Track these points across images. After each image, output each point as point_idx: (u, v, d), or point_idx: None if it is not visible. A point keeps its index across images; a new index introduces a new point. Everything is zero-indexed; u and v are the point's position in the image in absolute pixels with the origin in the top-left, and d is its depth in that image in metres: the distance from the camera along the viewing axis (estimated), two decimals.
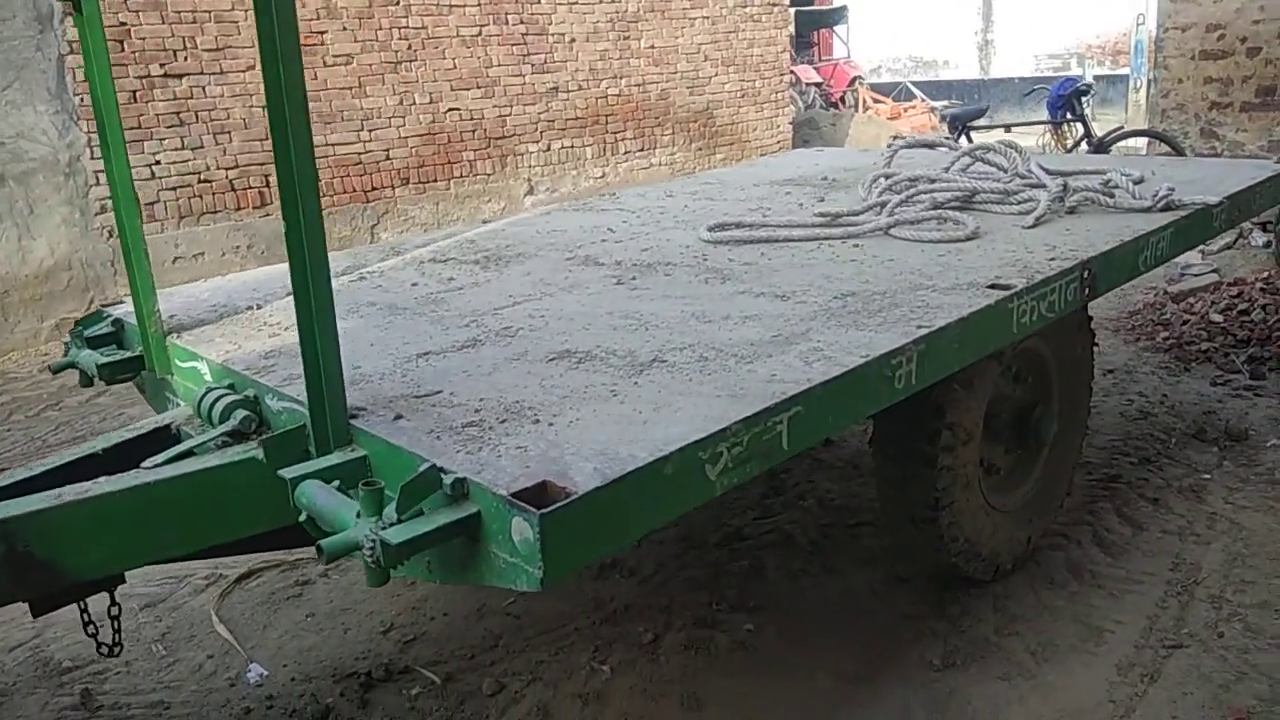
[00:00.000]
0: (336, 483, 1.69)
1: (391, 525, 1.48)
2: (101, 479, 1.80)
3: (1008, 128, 9.33)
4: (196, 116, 6.52)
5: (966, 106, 9.66)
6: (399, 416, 1.80)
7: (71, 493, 1.75)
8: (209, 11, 6.51)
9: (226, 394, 2.03)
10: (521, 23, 8.33)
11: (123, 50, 6.13)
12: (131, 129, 6.18)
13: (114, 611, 2.01)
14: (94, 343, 2.53)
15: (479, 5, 7.99)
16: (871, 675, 2.43)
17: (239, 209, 6.80)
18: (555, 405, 1.80)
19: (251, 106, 6.74)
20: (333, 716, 2.34)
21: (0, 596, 1.70)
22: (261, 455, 1.83)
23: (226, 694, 2.50)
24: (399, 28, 7.52)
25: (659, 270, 2.76)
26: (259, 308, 2.63)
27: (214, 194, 6.67)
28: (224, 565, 3.05)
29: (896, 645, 2.54)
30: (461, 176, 8.11)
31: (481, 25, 8.05)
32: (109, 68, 2.22)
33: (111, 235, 6.15)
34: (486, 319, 2.39)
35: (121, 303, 2.68)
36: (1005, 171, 3.49)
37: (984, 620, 2.62)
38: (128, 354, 2.44)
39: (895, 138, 5.69)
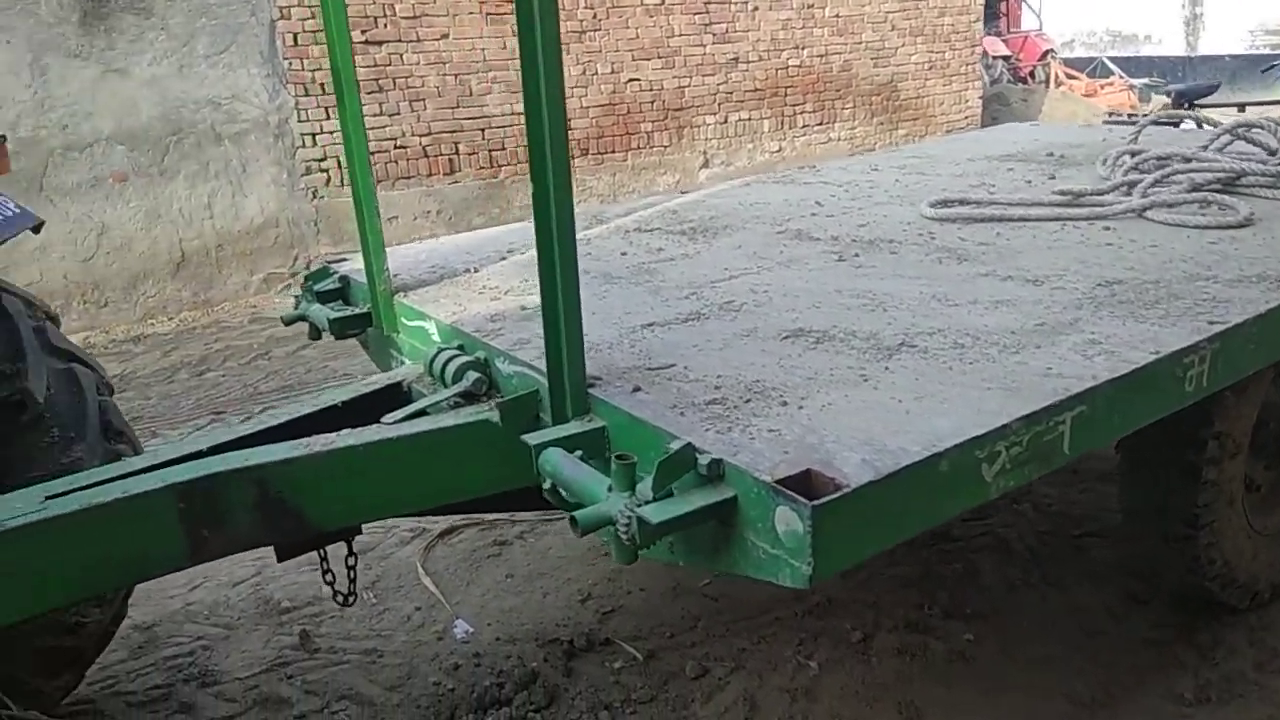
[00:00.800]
0: (579, 453, 1.65)
1: (647, 503, 1.42)
2: (345, 431, 1.83)
3: (1241, 106, 8.42)
4: (394, 83, 6.76)
5: (1195, 83, 8.81)
6: (637, 389, 1.74)
7: (319, 443, 1.78)
8: None
9: (458, 355, 2.03)
10: None
11: None
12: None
13: (350, 562, 2.05)
14: (322, 298, 2.61)
15: None
16: (1110, 702, 2.22)
17: (430, 175, 7.02)
18: (801, 387, 1.70)
19: (445, 75, 6.91)
20: (540, 681, 2.35)
21: (250, 540, 1.75)
22: (497, 418, 1.81)
23: (435, 647, 2.55)
24: None
25: (883, 247, 2.60)
26: (476, 270, 2.65)
27: (408, 160, 6.90)
28: (427, 520, 3.12)
29: (1138, 672, 2.31)
30: (638, 148, 8.09)
31: None
32: (348, 34, 2.26)
33: (314, 196, 6.48)
34: (705, 291, 2.32)
35: (345, 259, 2.75)
36: (1274, 153, 3.11)
37: (1240, 653, 2.35)
38: (357, 310, 2.50)
39: (1111, 113, 5.23)
